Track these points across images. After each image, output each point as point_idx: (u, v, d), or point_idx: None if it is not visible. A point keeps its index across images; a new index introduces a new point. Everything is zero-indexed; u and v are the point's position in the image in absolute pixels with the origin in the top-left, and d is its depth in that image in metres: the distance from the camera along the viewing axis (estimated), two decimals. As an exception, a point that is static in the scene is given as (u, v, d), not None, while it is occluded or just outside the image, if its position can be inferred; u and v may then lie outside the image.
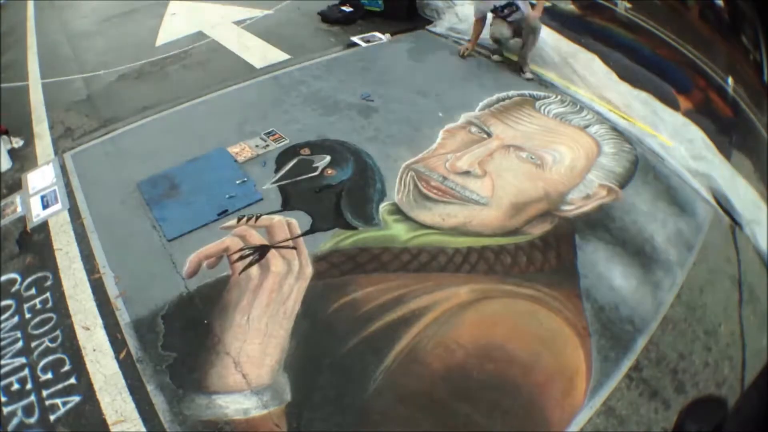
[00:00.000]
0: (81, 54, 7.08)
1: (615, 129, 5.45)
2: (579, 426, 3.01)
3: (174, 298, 3.60)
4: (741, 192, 5.07)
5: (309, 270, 3.74)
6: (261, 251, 3.86)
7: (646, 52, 7.27)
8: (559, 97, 5.90)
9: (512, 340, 3.37)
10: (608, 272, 3.93)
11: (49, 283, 3.81)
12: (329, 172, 4.63)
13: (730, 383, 3.45)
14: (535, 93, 5.99)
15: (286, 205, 4.30)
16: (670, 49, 7.33)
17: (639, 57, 7.11)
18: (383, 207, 4.30)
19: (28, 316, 3.59)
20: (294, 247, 3.90)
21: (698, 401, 2.67)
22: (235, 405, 3.01)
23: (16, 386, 3.20)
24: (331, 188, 4.48)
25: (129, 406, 3.04)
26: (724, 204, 4.91)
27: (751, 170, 5.42)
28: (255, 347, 3.28)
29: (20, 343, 3.43)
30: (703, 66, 6.92)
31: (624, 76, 6.48)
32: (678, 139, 5.51)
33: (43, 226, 4.28)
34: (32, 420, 3.02)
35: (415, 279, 3.69)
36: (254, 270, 3.73)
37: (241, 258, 3.81)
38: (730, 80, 6.51)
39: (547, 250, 4.04)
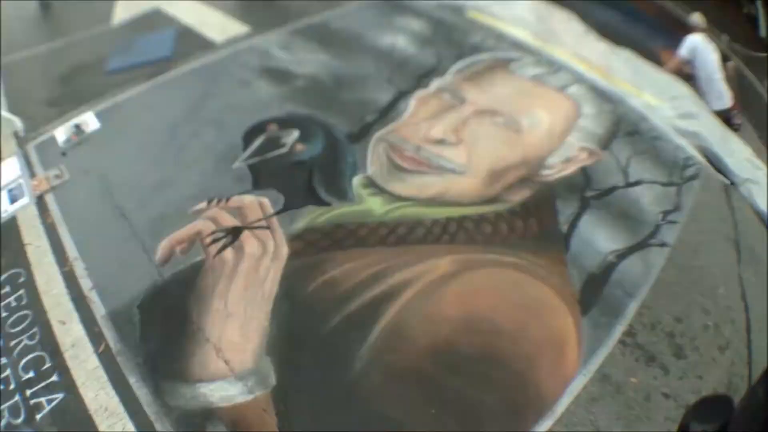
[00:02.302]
0: (36, 42, 6.90)
1: (594, 89, 5.38)
2: (573, 394, 3.02)
3: (148, 287, 3.54)
4: (734, 150, 5.05)
5: (284, 250, 3.69)
6: (234, 233, 3.78)
7: (628, 7, 7.18)
8: (534, 58, 5.79)
9: (498, 311, 3.37)
10: (593, 236, 3.94)
11: (22, 279, 3.73)
12: (299, 147, 4.53)
13: (734, 347, 3.45)
14: (508, 55, 5.86)
15: (257, 184, 4.21)
16: (653, 4, 7.25)
17: (619, 13, 7.06)
18: (357, 181, 4.24)
19: (4, 314, 3.52)
20: (268, 227, 3.83)
21: (703, 401, 2.70)
22: (219, 392, 2.99)
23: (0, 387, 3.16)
24: (302, 164, 4.39)
25: (113, 401, 3.02)
26: (715, 163, 4.89)
27: (747, 127, 5.44)
28: (235, 332, 3.25)
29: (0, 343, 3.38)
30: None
31: (604, 34, 6.42)
32: (663, 98, 5.46)
33: (12, 222, 4.18)
34: (19, 421, 2.99)
35: (395, 253, 3.67)
36: (228, 253, 3.66)
37: (215, 241, 3.73)
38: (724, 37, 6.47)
39: (528, 217, 4.02)
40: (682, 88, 5.67)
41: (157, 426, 2.90)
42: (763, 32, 6.27)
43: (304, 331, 3.28)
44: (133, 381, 3.10)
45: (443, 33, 6.43)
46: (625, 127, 5.02)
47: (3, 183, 4.53)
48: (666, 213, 4.25)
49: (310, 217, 3.95)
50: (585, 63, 5.82)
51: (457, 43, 6.20)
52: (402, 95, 5.25)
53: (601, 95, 5.33)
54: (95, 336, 3.35)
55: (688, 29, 6.01)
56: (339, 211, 4.00)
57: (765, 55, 6.13)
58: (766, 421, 1.62)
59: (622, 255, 3.87)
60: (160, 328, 3.36)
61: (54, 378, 3.17)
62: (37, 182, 4.44)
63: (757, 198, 4.61)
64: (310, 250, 3.72)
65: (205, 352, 3.18)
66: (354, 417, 2.92)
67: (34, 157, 4.77)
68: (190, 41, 6.49)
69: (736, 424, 1.61)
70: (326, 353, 3.17)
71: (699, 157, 4.88)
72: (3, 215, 4.25)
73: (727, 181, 4.78)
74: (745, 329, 3.61)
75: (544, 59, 5.80)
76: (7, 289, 3.70)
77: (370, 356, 3.13)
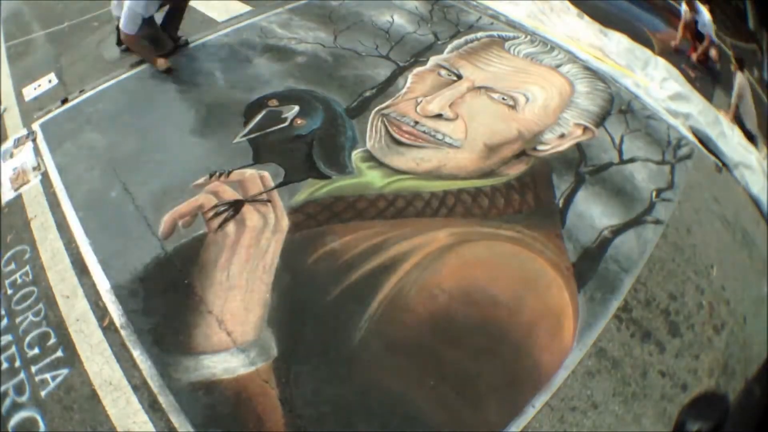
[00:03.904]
0: (43, 22, 6.75)
1: (588, 68, 5.32)
2: (570, 368, 2.95)
3: (152, 261, 3.44)
4: (726, 133, 5.00)
5: (285, 222, 3.60)
6: (235, 206, 3.69)
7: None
8: (528, 37, 5.71)
9: (495, 283, 3.29)
10: (589, 211, 3.86)
11: (27, 256, 3.62)
12: (299, 122, 4.41)
13: (730, 328, 3.38)
14: (503, 33, 5.79)
15: (258, 159, 4.10)
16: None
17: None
18: (356, 154, 4.15)
19: (9, 291, 3.42)
20: (268, 200, 3.74)
21: (698, 398, 2.63)
22: (222, 364, 2.91)
23: (5, 365, 3.05)
24: (302, 138, 4.28)
25: (117, 374, 2.92)
26: (707, 144, 4.83)
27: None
28: (237, 304, 3.17)
29: (5, 321, 3.26)
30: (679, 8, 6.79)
31: (595, 16, 6.34)
32: (654, 79, 5.41)
33: (18, 200, 4.06)
34: (24, 398, 2.89)
35: (393, 225, 3.58)
36: (230, 226, 3.57)
37: (216, 215, 3.64)
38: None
39: (524, 191, 3.95)
40: (672, 70, 5.60)
41: (161, 399, 2.82)
42: (751, 25, 6.17)
43: (305, 302, 3.19)
44: (137, 354, 3.01)
45: (440, 11, 6.32)
46: (618, 105, 4.98)
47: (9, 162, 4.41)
48: (660, 191, 4.20)
49: (309, 190, 3.85)
50: (578, 43, 5.73)
51: (453, 22, 6.11)
52: (400, 71, 5.16)
53: (595, 74, 5.28)
54: (99, 310, 3.24)
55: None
56: (338, 184, 3.90)
57: (754, 46, 6.07)
58: (762, 420, 1.51)
59: (617, 230, 3.81)
60: (163, 301, 3.26)
61: (59, 353, 3.07)
62: (15, 176, 4.28)
63: (751, 184, 4.56)
64: (310, 222, 3.62)
65: (207, 324, 3.10)
66: (354, 388, 2.85)
67: (39, 135, 4.65)
68: (191, 19, 6.32)
69: (732, 422, 1.51)
70: (327, 325, 3.08)
71: (691, 138, 4.80)
72: (8, 193, 4.12)
73: (720, 163, 4.70)
74: (740, 311, 3.54)
75: (538, 39, 5.74)
76: (12, 266, 3.59)
77: (369, 328, 3.06)
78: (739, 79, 5.49)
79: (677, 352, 3.14)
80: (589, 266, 3.51)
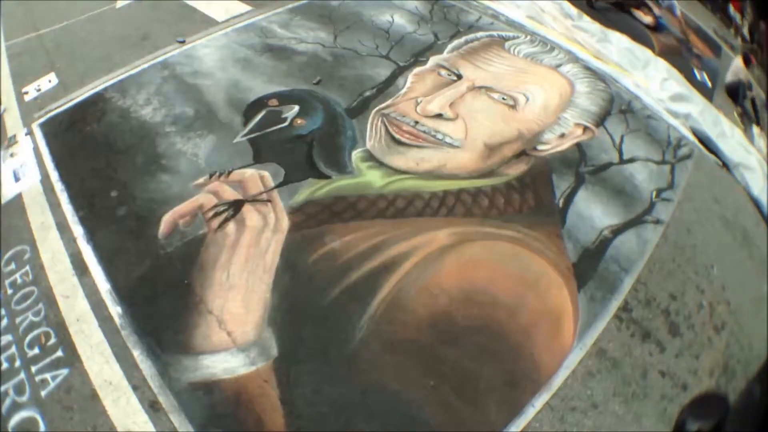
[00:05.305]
0: (43, 21, 6.75)
1: (588, 68, 5.33)
2: (570, 368, 2.95)
3: (152, 260, 3.43)
4: (727, 133, 5.01)
5: (285, 222, 3.59)
6: (235, 206, 3.68)
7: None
8: (528, 37, 5.71)
9: (496, 283, 3.29)
10: (589, 211, 3.86)
11: (27, 256, 3.60)
12: (299, 122, 4.40)
13: (730, 328, 3.38)
14: (504, 33, 5.78)
15: (258, 159, 4.09)
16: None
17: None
18: (356, 154, 4.14)
19: (9, 291, 3.40)
20: (268, 200, 3.73)
21: (699, 398, 2.64)
22: (222, 364, 2.91)
23: (5, 365, 3.04)
24: (302, 138, 4.28)
25: (117, 374, 2.91)
26: (707, 144, 4.85)
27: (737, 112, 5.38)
28: (237, 304, 3.16)
29: (5, 321, 3.25)
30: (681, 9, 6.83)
31: (596, 16, 6.35)
32: (654, 79, 5.42)
33: (18, 199, 4.05)
34: (24, 398, 2.88)
35: (393, 225, 3.58)
36: (230, 226, 3.56)
37: (216, 215, 3.63)
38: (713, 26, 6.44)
39: (524, 191, 3.95)
40: (672, 71, 5.61)
41: (161, 399, 2.82)
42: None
43: (305, 302, 3.18)
44: (137, 354, 3.00)
45: (440, 11, 6.31)
46: (618, 105, 4.98)
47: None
48: (660, 191, 4.21)
49: (310, 190, 3.84)
50: (577, 44, 5.73)
51: (453, 22, 6.11)
52: (400, 71, 5.15)
53: (595, 74, 5.29)
54: (99, 310, 3.23)
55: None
56: (338, 183, 3.89)
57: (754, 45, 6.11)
58: (763, 421, 1.51)
59: (617, 230, 3.82)
60: (163, 301, 3.25)
61: (59, 353, 3.06)
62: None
63: (752, 185, 4.56)
64: (310, 222, 3.62)
65: (207, 324, 3.09)
66: (354, 388, 2.85)
67: (38, 135, 4.64)
68: (191, 19, 6.31)
69: (732, 423, 1.50)
70: (327, 325, 3.08)
71: (691, 138, 4.80)
72: (8, 194, 4.11)
73: (722, 164, 4.70)
74: (740, 311, 3.54)
75: (538, 38, 5.74)
76: (12, 266, 3.58)
77: (369, 327, 3.06)
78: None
79: (677, 352, 3.14)
80: (589, 266, 3.51)
